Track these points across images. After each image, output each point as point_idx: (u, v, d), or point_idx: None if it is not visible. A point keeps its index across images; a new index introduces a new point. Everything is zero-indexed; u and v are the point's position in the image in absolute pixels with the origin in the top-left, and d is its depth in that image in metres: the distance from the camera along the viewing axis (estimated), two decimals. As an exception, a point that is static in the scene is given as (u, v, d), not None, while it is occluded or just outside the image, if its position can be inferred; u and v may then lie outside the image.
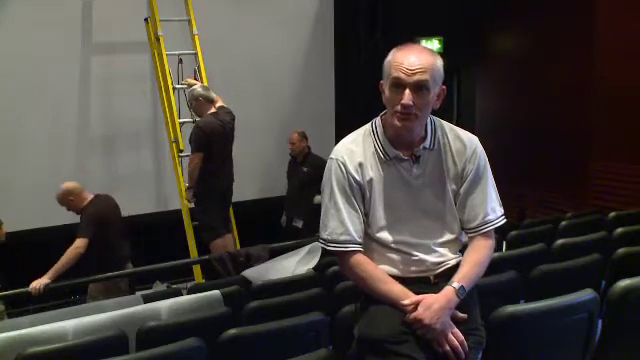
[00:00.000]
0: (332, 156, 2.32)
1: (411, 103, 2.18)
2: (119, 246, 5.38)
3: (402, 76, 2.19)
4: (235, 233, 6.69)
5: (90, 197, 5.32)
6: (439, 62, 2.24)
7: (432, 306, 2.15)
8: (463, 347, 2.16)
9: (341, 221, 2.27)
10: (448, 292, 2.20)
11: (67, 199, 5.30)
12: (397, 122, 2.22)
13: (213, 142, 6.02)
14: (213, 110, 6.11)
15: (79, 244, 5.03)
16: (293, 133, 7.15)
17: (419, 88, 2.19)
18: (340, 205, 2.27)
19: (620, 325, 2.50)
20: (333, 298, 3.43)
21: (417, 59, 2.20)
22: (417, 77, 2.18)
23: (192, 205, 6.40)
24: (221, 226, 6.26)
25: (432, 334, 2.15)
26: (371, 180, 2.28)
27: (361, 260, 2.27)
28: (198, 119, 6.23)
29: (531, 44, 8.12)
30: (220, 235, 6.22)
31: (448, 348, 2.14)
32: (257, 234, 6.53)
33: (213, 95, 6.14)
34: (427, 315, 2.14)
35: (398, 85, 2.20)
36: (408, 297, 2.20)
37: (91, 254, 5.06)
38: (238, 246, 6.49)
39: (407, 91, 2.18)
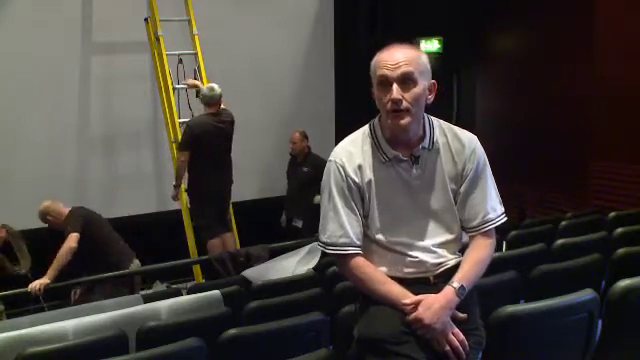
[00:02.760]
0: (331, 158, 2.31)
1: (400, 97, 2.18)
2: (112, 243, 5.31)
3: (386, 72, 2.20)
4: (235, 233, 6.69)
5: (68, 209, 5.28)
6: (423, 57, 2.25)
7: (432, 306, 2.15)
8: (464, 347, 2.16)
9: (340, 224, 2.26)
10: (448, 292, 2.19)
11: (46, 219, 5.27)
12: (391, 120, 2.22)
13: (204, 142, 6.02)
14: (211, 111, 6.11)
15: (70, 240, 5.00)
16: (294, 132, 7.14)
17: (405, 81, 2.19)
18: (339, 208, 2.26)
19: (620, 325, 2.50)
20: (333, 298, 3.43)
21: (400, 54, 2.21)
22: (401, 70, 2.18)
23: (177, 202, 6.44)
24: (216, 225, 6.27)
25: (432, 334, 2.14)
26: (370, 182, 2.28)
27: (360, 263, 2.27)
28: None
29: (531, 44, 8.12)
30: (215, 234, 6.24)
31: (448, 348, 2.14)
32: (257, 234, 6.54)
33: (215, 97, 6.08)
34: (427, 315, 2.14)
35: (385, 82, 2.21)
36: (408, 297, 2.20)
37: (84, 251, 5.05)
38: (238, 246, 6.49)
39: (394, 86, 2.19)
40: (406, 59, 2.19)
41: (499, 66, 8.60)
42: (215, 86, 6.16)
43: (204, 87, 6.24)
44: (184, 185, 6.52)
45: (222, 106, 6.23)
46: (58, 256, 4.98)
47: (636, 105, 6.63)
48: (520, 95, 8.16)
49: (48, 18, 7.04)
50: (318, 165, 6.45)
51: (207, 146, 6.02)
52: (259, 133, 8.00)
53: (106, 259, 5.21)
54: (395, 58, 2.20)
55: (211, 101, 6.09)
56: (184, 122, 6.91)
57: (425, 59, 2.25)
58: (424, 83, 2.22)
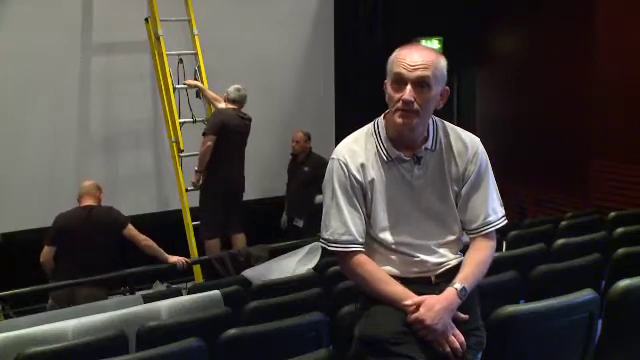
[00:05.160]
0: (334, 156, 2.31)
1: (412, 99, 2.18)
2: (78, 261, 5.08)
3: (403, 72, 2.19)
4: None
5: (83, 203, 5.20)
6: (442, 62, 2.24)
7: (434, 307, 2.15)
8: (463, 348, 2.16)
9: (343, 221, 2.26)
10: (450, 293, 2.20)
11: None
12: (398, 119, 2.22)
13: (227, 130, 6.18)
14: (236, 107, 6.36)
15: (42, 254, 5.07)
16: (298, 132, 7.15)
17: (420, 84, 2.19)
18: (342, 205, 2.27)
19: (620, 325, 2.50)
20: (333, 298, 3.43)
21: (420, 56, 2.20)
22: (418, 73, 2.18)
23: (195, 189, 6.45)
24: (217, 225, 6.30)
25: (433, 335, 2.14)
26: (373, 180, 2.28)
27: (363, 260, 2.27)
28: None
29: (531, 44, 8.12)
30: (214, 235, 6.27)
31: (449, 349, 2.14)
32: (257, 234, 6.54)
33: (242, 95, 6.39)
34: (429, 316, 2.14)
35: (400, 81, 2.20)
36: (409, 298, 2.20)
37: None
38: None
39: (408, 87, 2.18)
40: (425, 63, 2.19)
41: (499, 66, 8.60)
42: (240, 87, 6.45)
43: (231, 87, 6.43)
44: (185, 185, 6.53)
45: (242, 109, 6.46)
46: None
47: (636, 105, 6.64)
48: (520, 95, 8.16)
49: (48, 18, 7.03)
50: (319, 165, 6.47)
51: (229, 136, 6.21)
52: (259, 133, 7.97)
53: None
54: (414, 59, 2.19)
55: (238, 98, 6.38)
56: (184, 122, 6.95)
57: (443, 65, 2.24)
58: (438, 89, 2.22)
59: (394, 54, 2.25)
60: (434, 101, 2.24)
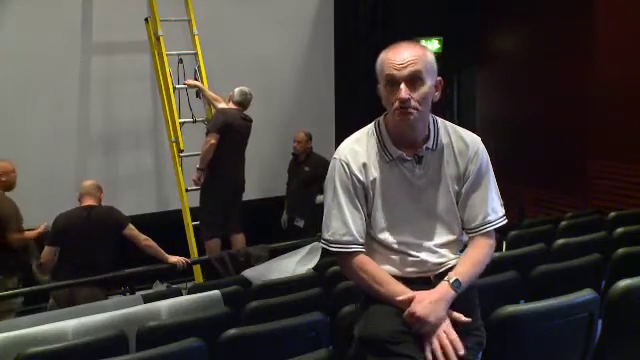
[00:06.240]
0: (335, 156, 2.32)
1: (408, 96, 2.18)
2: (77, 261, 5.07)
3: (394, 72, 2.19)
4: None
5: (83, 203, 5.19)
6: (429, 54, 2.25)
7: (424, 300, 2.15)
8: (455, 345, 2.12)
9: (344, 222, 2.26)
10: (442, 286, 2.19)
11: None
12: (399, 118, 2.22)
13: (230, 129, 6.18)
14: (239, 107, 6.38)
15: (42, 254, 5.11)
16: (300, 132, 7.16)
17: (413, 80, 2.19)
18: (343, 205, 2.26)
19: (620, 325, 2.50)
20: (333, 298, 3.43)
21: (408, 53, 2.20)
22: (409, 69, 2.18)
23: (196, 187, 6.45)
24: (217, 226, 6.31)
25: (427, 328, 2.13)
26: (374, 180, 2.28)
27: (363, 261, 2.27)
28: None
29: (531, 44, 8.13)
30: (214, 235, 6.28)
31: (436, 345, 2.11)
32: (258, 234, 6.54)
33: (247, 99, 6.40)
34: (419, 309, 2.13)
35: (393, 82, 2.20)
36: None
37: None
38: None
39: (402, 85, 2.18)
40: (414, 58, 2.19)
41: (499, 66, 8.60)
42: (247, 91, 6.44)
43: (236, 90, 6.43)
44: (185, 184, 6.52)
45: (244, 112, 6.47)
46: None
47: (636, 105, 6.64)
48: (520, 95, 8.16)
49: (48, 18, 7.03)
50: (320, 165, 6.49)
51: (231, 135, 6.20)
52: (259, 133, 7.98)
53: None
54: (402, 57, 2.19)
55: (242, 101, 6.38)
56: (184, 122, 6.95)
57: (432, 57, 2.24)
58: (431, 81, 2.22)
59: (381, 57, 2.25)
60: (431, 95, 2.24)
